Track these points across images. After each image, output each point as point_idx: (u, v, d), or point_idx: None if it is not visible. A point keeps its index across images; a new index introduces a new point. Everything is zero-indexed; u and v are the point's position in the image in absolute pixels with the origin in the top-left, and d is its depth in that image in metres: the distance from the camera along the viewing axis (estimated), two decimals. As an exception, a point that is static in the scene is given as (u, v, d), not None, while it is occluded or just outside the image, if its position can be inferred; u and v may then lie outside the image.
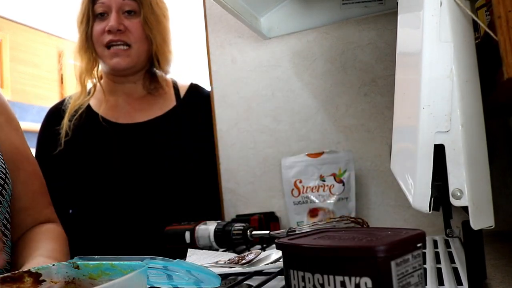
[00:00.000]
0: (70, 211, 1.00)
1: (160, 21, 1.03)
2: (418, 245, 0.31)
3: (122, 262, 0.36)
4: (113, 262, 0.37)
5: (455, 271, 0.52)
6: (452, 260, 0.57)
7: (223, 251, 0.78)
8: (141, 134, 1.01)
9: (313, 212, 0.86)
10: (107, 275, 0.36)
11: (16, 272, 0.37)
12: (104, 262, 0.37)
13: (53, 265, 0.38)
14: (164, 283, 0.39)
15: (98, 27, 0.99)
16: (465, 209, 0.35)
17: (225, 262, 0.63)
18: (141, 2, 1.00)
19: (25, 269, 0.37)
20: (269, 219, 0.92)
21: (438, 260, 0.58)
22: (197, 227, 0.80)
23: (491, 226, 0.35)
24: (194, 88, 1.12)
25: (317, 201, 0.86)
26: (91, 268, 0.37)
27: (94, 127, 1.02)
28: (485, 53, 0.39)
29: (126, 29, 0.98)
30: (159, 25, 1.03)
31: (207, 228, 0.79)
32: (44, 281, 0.37)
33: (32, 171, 0.77)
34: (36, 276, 0.37)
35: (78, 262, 0.38)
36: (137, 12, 1.00)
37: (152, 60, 1.05)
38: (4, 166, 0.69)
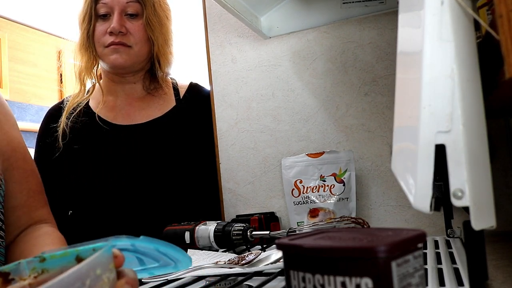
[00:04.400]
0: (70, 212, 1.00)
1: (163, 23, 1.03)
2: (419, 245, 0.31)
3: (86, 246, 0.36)
4: (78, 248, 0.36)
5: (456, 271, 0.51)
6: (453, 261, 0.57)
7: (223, 251, 0.78)
8: (140, 135, 1.01)
9: (314, 212, 0.86)
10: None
11: None
12: (69, 250, 0.37)
13: (19, 262, 0.38)
14: (136, 268, 0.39)
15: (100, 27, 0.99)
16: (466, 209, 0.35)
17: (225, 263, 0.63)
18: (144, 3, 0.99)
19: None
20: (269, 220, 0.92)
21: (439, 261, 0.58)
22: (197, 227, 0.80)
23: (493, 226, 0.35)
24: (193, 88, 1.12)
25: (317, 201, 0.86)
26: (58, 258, 0.37)
27: (92, 127, 1.01)
28: (486, 52, 0.39)
29: (127, 31, 0.98)
30: (161, 27, 1.02)
31: (207, 229, 0.79)
32: (13, 279, 0.37)
33: (28, 170, 0.76)
34: (4, 276, 0.37)
35: (44, 255, 0.38)
36: (139, 14, 1.00)
37: (152, 61, 1.05)
38: None
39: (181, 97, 1.08)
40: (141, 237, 0.37)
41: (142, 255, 0.38)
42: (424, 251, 0.63)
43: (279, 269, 0.56)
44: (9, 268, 0.37)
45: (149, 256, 0.38)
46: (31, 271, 0.37)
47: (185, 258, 0.38)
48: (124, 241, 0.36)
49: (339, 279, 0.29)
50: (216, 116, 1.05)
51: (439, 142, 0.35)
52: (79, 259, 0.36)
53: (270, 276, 0.54)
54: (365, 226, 0.70)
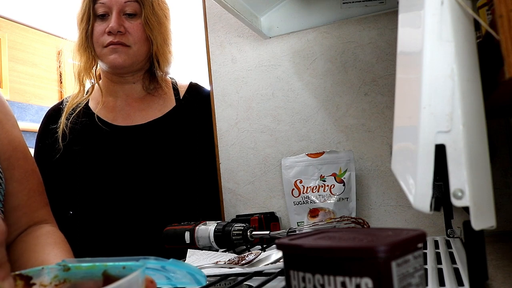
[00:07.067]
0: (70, 213, 1.00)
1: (161, 22, 1.03)
2: (419, 245, 0.31)
3: (115, 263, 0.36)
4: (106, 263, 0.36)
5: (456, 271, 0.51)
6: (453, 261, 0.57)
7: (223, 251, 0.78)
8: (140, 136, 1.01)
9: (314, 212, 0.86)
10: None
11: (10, 274, 0.36)
12: (97, 264, 0.36)
13: (43, 268, 0.37)
14: (162, 283, 0.39)
15: (98, 27, 0.99)
16: (466, 209, 0.35)
17: (225, 263, 0.63)
18: (143, 3, 0.99)
19: (17, 272, 0.37)
20: (269, 219, 0.92)
21: (439, 261, 0.58)
22: (197, 227, 0.80)
23: (493, 226, 0.35)
24: (193, 88, 1.12)
25: (317, 201, 0.86)
26: (84, 270, 0.37)
27: (92, 128, 1.01)
28: (486, 52, 0.39)
29: (126, 31, 0.98)
30: (160, 26, 1.02)
31: (207, 229, 0.79)
32: (34, 284, 0.37)
33: (29, 169, 0.76)
34: (26, 279, 0.37)
35: (69, 264, 0.38)
36: (138, 14, 1.00)
37: (152, 61, 1.05)
38: None
39: (181, 97, 1.08)
40: (171, 260, 0.37)
41: (162, 272, 0.38)
42: (424, 251, 0.63)
43: (279, 269, 0.56)
44: (32, 272, 0.37)
45: (159, 272, 0.38)
46: (52, 279, 0.37)
47: (201, 277, 0.38)
48: (153, 263, 0.36)
49: (339, 279, 0.29)
50: (216, 116, 1.05)
51: (439, 142, 0.35)
52: (106, 275, 0.36)
53: (270, 276, 0.54)
54: (365, 226, 0.70)
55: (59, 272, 0.37)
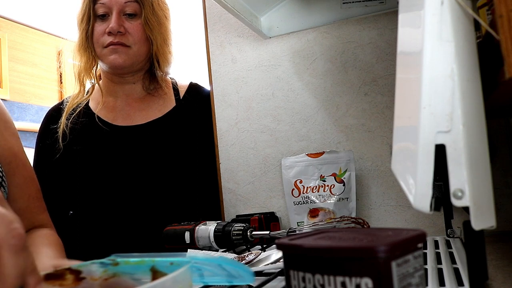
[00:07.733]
0: (70, 212, 1.00)
1: (161, 22, 1.03)
2: (419, 245, 0.31)
3: (163, 258, 0.36)
4: (154, 259, 0.37)
5: (456, 271, 0.51)
6: (453, 261, 0.57)
7: (223, 251, 0.78)
8: (140, 136, 1.01)
9: (314, 212, 0.86)
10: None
11: (59, 269, 0.37)
12: (146, 259, 0.37)
13: (92, 262, 0.38)
14: (196, 281, 0.39)
15: (98, 28, 0.99)
16: (466, 209, 0.35)
17: (225, 263, 0.63)
18: (143, 3, 0.99)
19: (66, 267, 0.37)
20: (269, 219, 0.92)
21: (439, 261, 0.58)
22: (197, 227, 0.80)
23: (493, 226, 0.35)
24: (193, 88, 1.12)
25: (317, 201, 0.86)
26: (133, 265, 0.37)
27: (92, 128, 1.01)
28: (486, 52, 0.39)
29: (126, 31, 0.98)
30: (160, 26, 1.02)
31: (207, 229, 0.79)
32: (84, 278, 0.37)
33: (28, 176, 0.77)
34: (76, 273, 0.37)
35: (118, 259, 0.38)
36: (138, 14, 1.00)
37: (152, 61, 1.05)
38: (0, 169, 0.69)
39: (181, 97, 1.08)
40: (219, 256, 0.37)
41: (202, 267, 0.38)
42: (424, 251, 0.63)
43: (279, 269, 0.56)
44: (82, 266, 0.38)
45: (209, 269, 0.38)
46: (102, 273, 0.38)
47: (249, 275, 0.38)
48: (200, 259, 0.37)
49: (339, 279, 0.29)
50: (216, 116, 1.05)
51: (439, 142, 0.35)
52: (154, 270, 0.37)
53: (270, 276, 0.54)
54: (365, 226, 0.70)
55: (108, 266, 0.38)
